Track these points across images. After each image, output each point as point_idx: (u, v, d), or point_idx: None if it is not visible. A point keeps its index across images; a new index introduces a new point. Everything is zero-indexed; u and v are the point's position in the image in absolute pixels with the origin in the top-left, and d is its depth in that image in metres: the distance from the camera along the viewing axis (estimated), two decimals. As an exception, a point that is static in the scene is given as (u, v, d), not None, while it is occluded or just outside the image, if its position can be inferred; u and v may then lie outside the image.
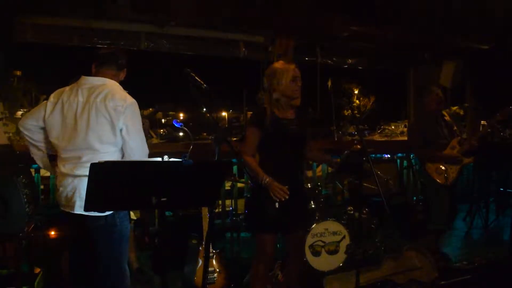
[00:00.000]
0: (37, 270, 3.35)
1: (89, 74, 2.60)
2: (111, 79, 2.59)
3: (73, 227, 2.61)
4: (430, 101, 4.35)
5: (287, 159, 2.96)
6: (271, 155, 2.96)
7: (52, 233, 3.81)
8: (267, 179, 2.82)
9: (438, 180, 4.24)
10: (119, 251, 2.57)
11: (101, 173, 1.82)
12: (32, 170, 4.51)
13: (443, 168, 4.25)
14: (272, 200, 2.83)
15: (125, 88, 2.66)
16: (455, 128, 4.40)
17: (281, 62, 3.01)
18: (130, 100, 2.50)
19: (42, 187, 4.94)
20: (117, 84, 2.61)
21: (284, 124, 2.94)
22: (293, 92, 2.93)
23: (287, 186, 2.80)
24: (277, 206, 2.82)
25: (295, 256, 3.20)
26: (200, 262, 3.53)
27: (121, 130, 2.46)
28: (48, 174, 4.82)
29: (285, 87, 2.91)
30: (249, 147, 2.96)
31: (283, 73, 2.91)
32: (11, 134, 5.18)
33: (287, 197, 2.79)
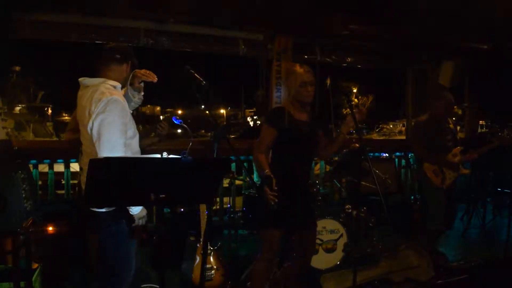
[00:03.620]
0: (35, 265, 3.34)
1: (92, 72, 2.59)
2: (117, 76, 2.58)
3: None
4: (440, 106, 4.34)
5: (298, 159, 3.00)
6: (283, 154, 3.01)
7: (50, 228, 3.82)
8: (266, 173, 2.85)
9: (434, 181, 4.25)
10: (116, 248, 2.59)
11: (99, 169, 1.82)
12: (31, 166, 4.51)
13: (441, 170, 4.26)
14: (279, 196, 2.86)
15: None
16: (458, 136, 4.42)
17: (297, 65, 3.02)
18: (111, 96, 2.41)
19: (40, 183, 4.93)
20: (109, 83, 2.53)
21: (299, 125, 2.98)
22: (302, 97, 2.97)
23: (276, 193, 2.79)
24: (274, 206, 2.83)
25: (300, 254, 3.20)
26: (198, 259, 3.53)
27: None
28: (46, 170, 4.82)
29: (295, 91, 2.95)
30: (263, 145, 3.00)
31: (293, 77, 2.96)
32: (9, 130, 5.18)
33: (276, 200, 2.80)
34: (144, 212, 2.49)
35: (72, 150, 3.75)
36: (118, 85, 2.58)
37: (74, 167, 4.74)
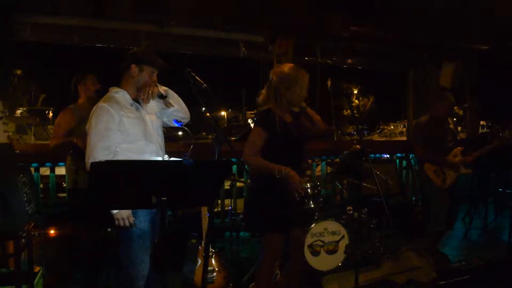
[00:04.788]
0: (37, 268, 3.35)
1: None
2: (127, 82, 2.69)
3: None
4: (441, 107, 4.34)
5: (288, 160, 2.96)
6: (273, 155, 2.92)
7: (52, 232, 3.82)
8: (287, 170, 2.81)
9: (435, 182, 4.25)
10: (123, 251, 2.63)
11: (102, 172, 1.83)
12: (32, 169, 4.51)
13: (441, 171, 4.26)
14: (281, 199, 2.88)
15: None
16: (459, 137, 4.41)
17: (293, 67, 2.93)
18: (101, 104, 2.60)
19: (41, 186, 4.94)
20: (113, 90, 2.69)
21: (289, 128, 2.96)
22: (300, 101, 2.94)
23: (307, 178, 2.86)
24: (297, 199, 2.87)
25: (296, 254, 3.21)
26: (200, 261, 3.53)
27: None
28: (47, 173, 4.82)
29: (297, 95, 2.90)
30: (254, 148, 2.92)
31: (298, 82, 2.87)
32: (10, 133, 5.18)
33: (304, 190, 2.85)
34: (124, 214, 2.47)
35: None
36: (120, 91, 2.67)
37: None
